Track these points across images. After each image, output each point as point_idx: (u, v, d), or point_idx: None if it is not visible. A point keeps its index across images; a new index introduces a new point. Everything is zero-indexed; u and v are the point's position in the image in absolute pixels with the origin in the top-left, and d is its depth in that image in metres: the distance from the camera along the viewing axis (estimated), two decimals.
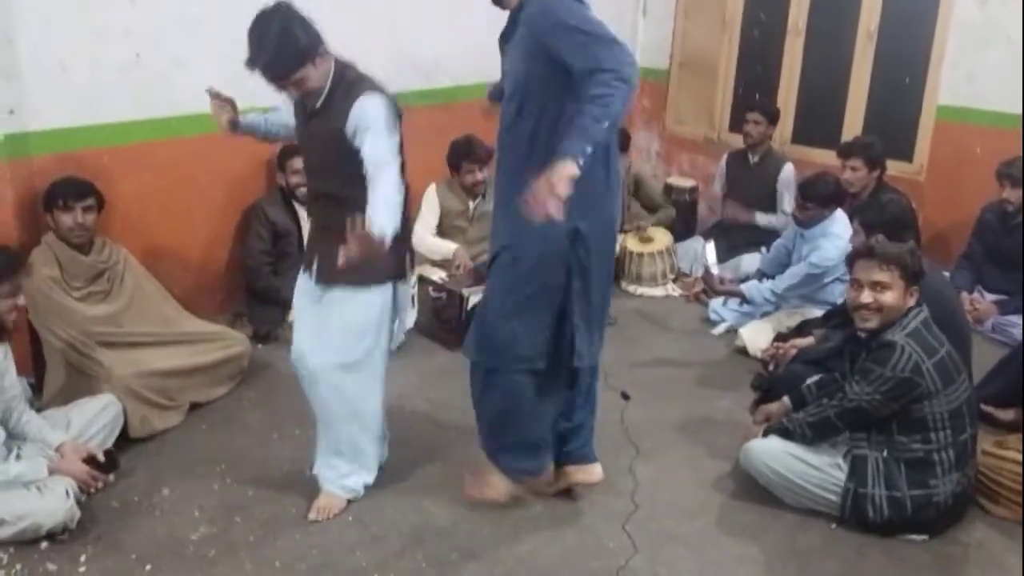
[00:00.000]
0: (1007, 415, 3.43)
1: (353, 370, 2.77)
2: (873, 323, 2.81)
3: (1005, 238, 4.40)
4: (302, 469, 3.10)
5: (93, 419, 3.08)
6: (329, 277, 2.71)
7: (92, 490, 2.86)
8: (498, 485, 2.85)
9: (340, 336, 2.74)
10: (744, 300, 4.21)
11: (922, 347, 2.71)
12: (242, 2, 3.95)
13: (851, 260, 2.93)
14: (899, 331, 2.74)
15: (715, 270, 4.21)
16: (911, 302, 2.79)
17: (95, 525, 2.78)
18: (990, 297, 4.47)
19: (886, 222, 3.32)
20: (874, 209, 3.41)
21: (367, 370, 2.81)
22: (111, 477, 2.93)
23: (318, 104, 2.64)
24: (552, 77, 2.39)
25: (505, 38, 2.60)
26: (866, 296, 2.79)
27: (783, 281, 4.13)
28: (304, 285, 2.86)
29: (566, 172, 2.19)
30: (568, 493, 2.99)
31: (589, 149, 2.23)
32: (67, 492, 2.72)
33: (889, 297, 2.76)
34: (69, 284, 3.35)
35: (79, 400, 3.13)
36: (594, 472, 2.93)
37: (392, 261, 2.69)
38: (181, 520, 2.83)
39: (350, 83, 2.62)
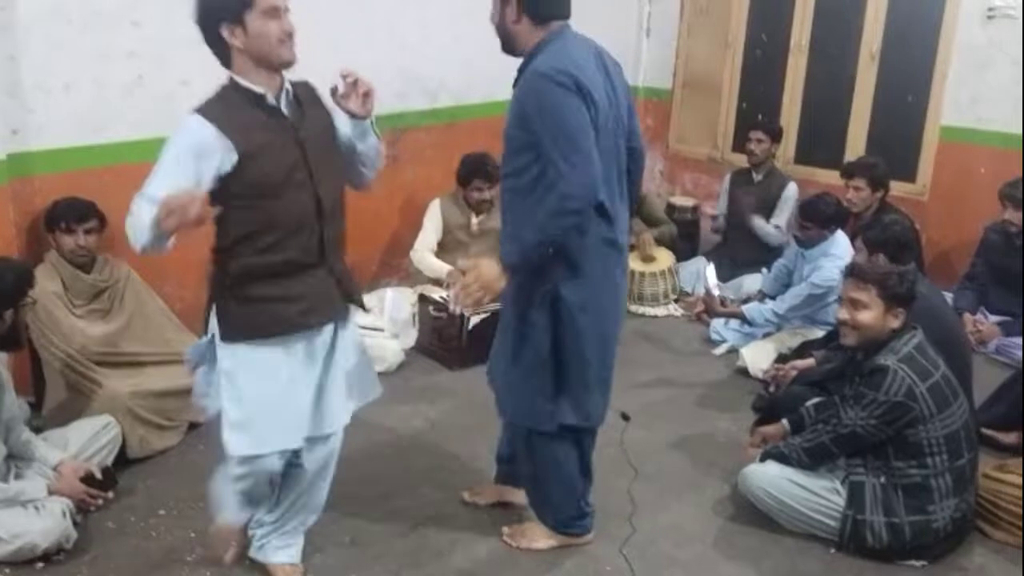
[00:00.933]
0: (1009, 438, 3.41)
1: None
2: (851, 340, 2.82)
3: (1009, 258, 4.39)
4: None
5: (92, 439, 3.07)
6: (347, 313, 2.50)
7: (91, 508, 2.87)
8: (539, 536, 2.83)
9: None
10: (745, 321, 4.19)
11: (915, 371, 2.70)
12: None
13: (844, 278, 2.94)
14: (891, 355, 2.73)
15: (716, 291, 4.21)
16: (894, 323, 2.77)
17: (91, 545, 2.77)
18: (993, 318, 4.45)
19: (887, 241, 3.32)
20: (877, 228, 3.41)
21: None
22: (110, 495, 2.93)
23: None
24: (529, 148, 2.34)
25: (514, 85, 2.48)
26: (844, 313, 2.81)
27: (784, 302, 4.12)
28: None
29: (493, 281, 2.32)
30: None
31: (520, 261, 2.33)
32: (64, 512, 2.72)
33: (865, 316, 2.76)
34: (72, 301, 3.36)
35: (78, 420, 3.13)
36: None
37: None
38: (176, 541, 2.82)
39: None
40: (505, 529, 2.90)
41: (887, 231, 3.38)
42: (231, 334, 2.29)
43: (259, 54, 2.17)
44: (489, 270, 2.32)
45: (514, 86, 2.45)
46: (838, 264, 3.88)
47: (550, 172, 2.26)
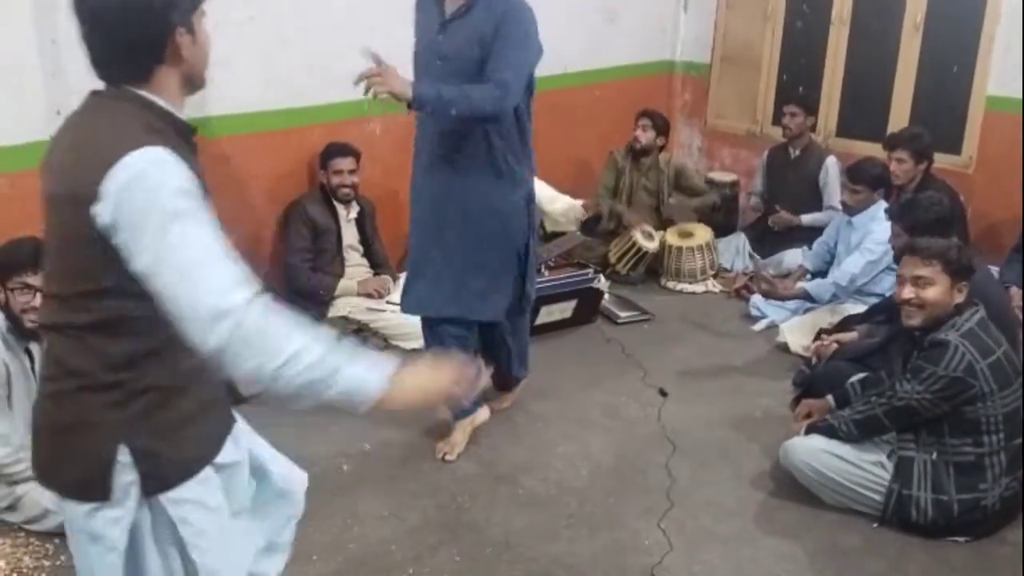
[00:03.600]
0: None
1: None
2: (917, 320, 2.74)
3: None
4: (339, 464, 3.13)
5: None
6: None
7: None
8: (459, 436, 3.24)
9: None
10: (810, 299, 4.12)
11: (977, 347, 2.64)
12: (287, 2, 4.05)
13: (898, 258, 2.88)
14: (952, 331, 2.67)
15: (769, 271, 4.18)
16: (959, 298, 2.71)
17: None
18: None
19: (929, 223, 3.23)
20: (915, 211, 3.31)
21: None
22: None
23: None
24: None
25: (451, 17, 2.76)
26: (908, 292, 2.74)
27: (844, 274, 4.05)
28: None
29: (397, 84, 2.59)
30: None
31: (429, 102, 2.62)
32: None
33: (932, 293, 2.70)
34: None
35: None
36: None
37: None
38: None
39: None
40: (440, 445, 3.21)
41: (928, 211, 3.27)
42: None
43: (195, 70, 1.57)
44: (402, 80, 2.62)
45: (446, 19, 2.79)
46: (887, 226, 3.82)
47: (505, 75, 2.66)
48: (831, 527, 2.82)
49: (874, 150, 4.95)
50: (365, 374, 1.44)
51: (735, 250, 5.11)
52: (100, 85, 1.56)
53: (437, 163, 2.93)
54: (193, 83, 1.59)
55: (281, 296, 4.18)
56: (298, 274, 4.17)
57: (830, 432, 2.88)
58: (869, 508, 2.82)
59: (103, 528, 1.53)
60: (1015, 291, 4.25)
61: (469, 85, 2.65)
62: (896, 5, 5.19)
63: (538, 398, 3.59)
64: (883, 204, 4.17)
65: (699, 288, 4.85)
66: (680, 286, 4.85)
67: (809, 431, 2.96)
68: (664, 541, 2.75)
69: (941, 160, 4.74)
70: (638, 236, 4.81)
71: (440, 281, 3.04)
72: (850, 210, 4.24)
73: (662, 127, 5.13)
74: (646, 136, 5.07)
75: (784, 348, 4.09)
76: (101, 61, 1.50)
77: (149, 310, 1.42)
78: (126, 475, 1.51)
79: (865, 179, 4.16)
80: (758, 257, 4.24)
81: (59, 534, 2.69)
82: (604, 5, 5.49)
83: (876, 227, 4.01)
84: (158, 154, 1.40)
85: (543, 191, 4.68)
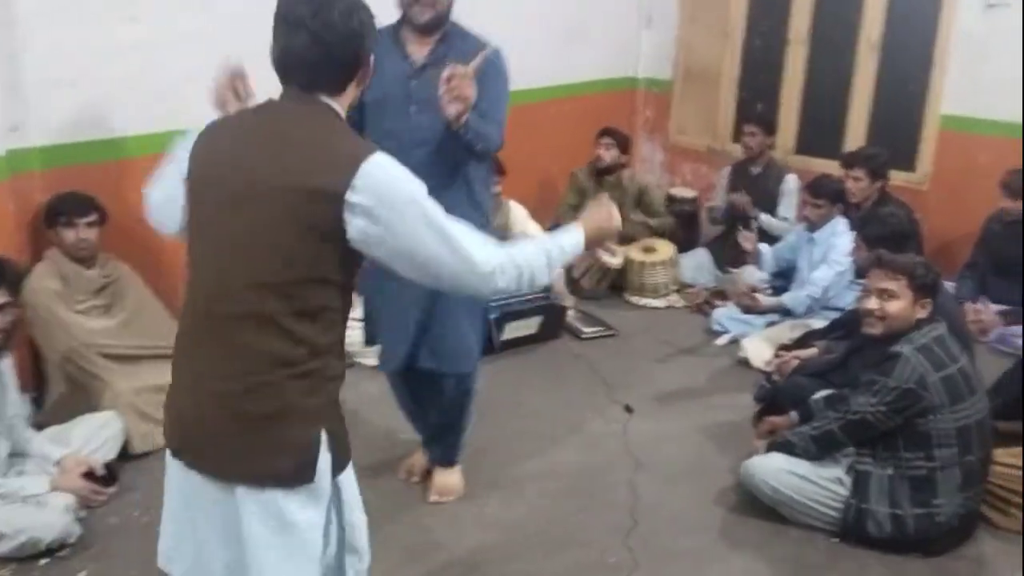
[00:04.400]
0: (1011, 427, 3.39)
1: None
2: (877, 329, 2.81)
3: (1009, 248, 4.38)
4: None
5: (93, 435, 3.08)
6: None
7: (93, 504, 2.88)
8: (457, 481, 3.10)
9: None
10: (786, 313, 4.19)
11: (930, 360, 2.69)
12: (252, 15, 4.00)
13: (865, 269, 2.95)
14: (908, 344, 2.73)
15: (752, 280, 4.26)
16: (921, 314, 2.77)
17: (95, 541, 2.77)
18: (994, 307, 4.44)
19: (886, 236, 3.31)
20: (874, 223, 3.40)
21: None
22: (112, 490, 2.94)
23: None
24: None
25: (425, 63, 2.69)
26: (872, 303, 2.80)
27: (816, 286, 4.15)
28: None
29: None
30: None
31: (470, 138, 2.53)
32: (66, 507, 2.73)
33: (894, 306, 2.76)
34: (72, 298, 3.36)
35: (80, 416, 3.14)
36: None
37: None
38: None
39: None
40: (433, 496, 3.03)
41: (886, 225, 3.37)
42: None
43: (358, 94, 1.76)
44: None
45: (432, 63, 2.66)
46: (848, 240, 3.90)
47: (498, 115, 2.68)
48: (793, 543, 2.85)
49: (831, 167, 5.04)
50: (571, 236, 1.82)
51: (697, 265, 5.16)
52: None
53: None
54: (352, 105, 1.75)
55: None
56: None
57: (788, 448, 2.91)
58: (829, 525, 2.85)
59: (301, 509, 1.63)
60: (968, 306, 4.35)
61: (480, 122, 2.58)
62: (852, 24, 5.31)
63: (504, 415, 3.59)
64: (842, 220, 4.28)
65: (662, 303, 4.89)
66: (644, 301, 4.89)
67: (770, 449, 2.99)
68: (630, 559, 2.76)
69: (896, 177, 4.85)
70: (601, 252, 4.82)
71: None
72: (812, 226, 4.32)
73: (624, 145, 5.18)
74: (609, 155, 5.11)
75: (746, 363, 4.13)
76: (308, 70, 1.62)
77: (344, 301, 1.64)
78: (324, 457, 1.64)
79: (826, 193, 4.28)
80: (736, 271, 4.29)
81: (13, 559, 2.63)
82: (567, 22, 5.53)
83: (839, 241, 4.12)
84: (389, 158, 1.60)
85: (519, 212, 4.70)
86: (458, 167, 2.72)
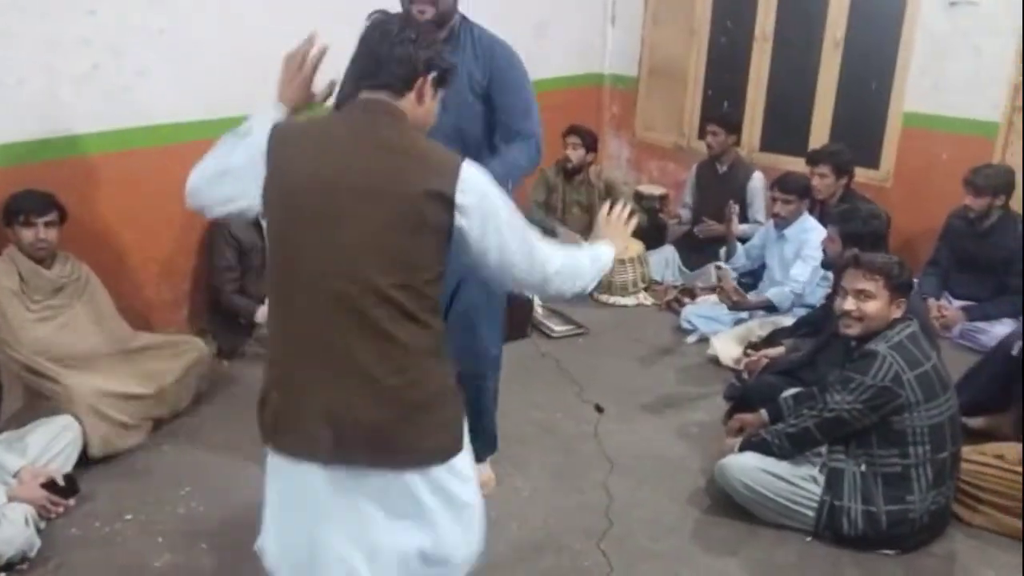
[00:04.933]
0: (976, 423, 3.44)
1: None
2: (855, 330, 2.82)
3: (972, 244, 4.43)
4: None
5: (51, 442, 2.99)
6: None
7: (52, 516, 2.79)
8: (485, 476, 2.99)
9: None
10: (772, 309, 4.19)
11: (904, 359, 2.70)
12: (205, 12, 3.93)
13: (840, 269, 2.96)
14: (883, 342, 2.74)
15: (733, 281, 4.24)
16: (897, 313, 2.78)
17: (55, 553, 2.68)
18: (957, 303, 4.50)
19: (865, 234, 3.32)
20: (855, 221, 3.40)
21: None
22: (71, 502, 2.85)
23: None
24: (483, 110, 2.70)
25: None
26: (849, 303, 2.80)
27: (797, 282, 4.15)
28: None
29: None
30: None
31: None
32: (26, 519, 2.64)
33: (871, 307, 2.77)
34: (30, 297, 3.25)
35: (36, 423, 3.04)
36: None
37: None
38: (144, 547, 2.74)
39: None
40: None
41: (867, 224, 3.36)
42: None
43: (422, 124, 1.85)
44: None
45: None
46: (819, 235, 3.92)
47: (530, 126, 2.70)
48: (766, 543, 2.85)
49: (796, 164, 5.07)
50: (603, 249, 2.01)
51: (664, 263, 5.16)
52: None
53: None
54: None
55: (207, 314, 4.10)
56: (223, 297, 4.03)
57: (764, 447, 2.91)
58: (803, 524, 2.85)
59: (456, 475, 1.83)
60: (932, 302, 4.40)
61: (510, 154, 2.66)
62: (817, 23, 5.34)
63: None
64: (808, 217, 4.30)
65: (631, 301, 4.88)
66: (613, 299, 4.87)
67: (743, 447, 2.99)
68: (604, 562, 2.73)
69: (860, 174, 4.89)
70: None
71: None
72: (783, 222, 4.34)
73: (591, 144, 5.17)
74: (576, 155, 5.11)
75: (715, 361, 4.13)
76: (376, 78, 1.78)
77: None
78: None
79: (796, 189, 4.32)
80: (727, 267, 4.28)
81: None
82: (533, 19, 5.49)
83: (811, 236, 4.14)
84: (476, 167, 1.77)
85: None
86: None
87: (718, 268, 4.25)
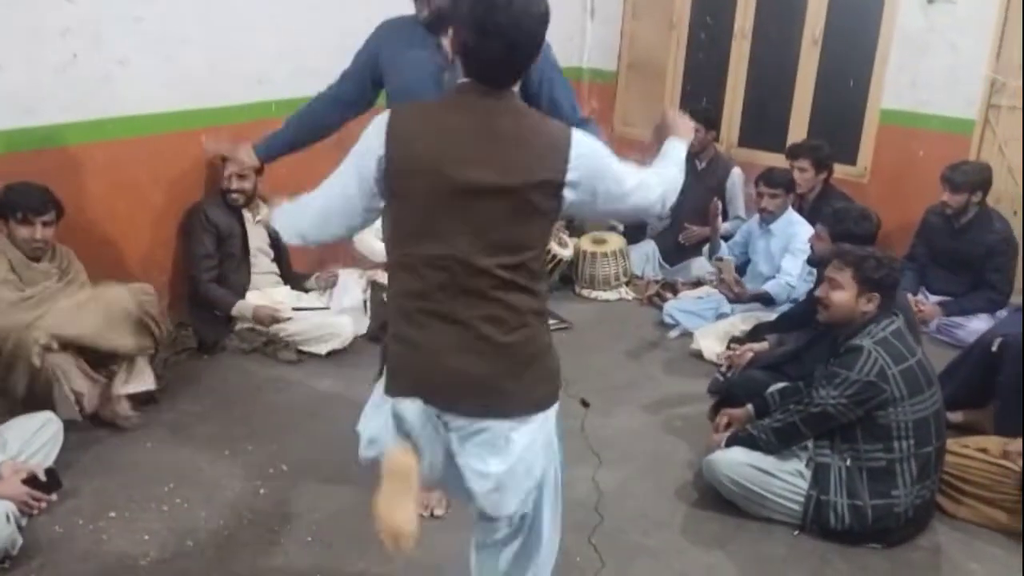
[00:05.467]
0: (956, 417, 3.49)
1: None
2: (822, 317, 2.91)
3: (949, 240, 4.50)
4: (256, 488, 3.00)
5: (32, 437, 2.92)
6: None
7: (34, 512, 2.73)
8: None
9: None
10: (770, 301, 4.23)
11: (889, 354, 2.74)
12: (183, 1, 3.86)
13: (822, 260, 3.08)
14: (867, 337, 2.77)
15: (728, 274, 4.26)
16: (867, 307, 2.82)
17: (38, 552, 2.62)
18: (934, 298, 4.56)
19: (856, 236, 3.32)
20: (846, 222, 3.41)
21: None
22: (54, 497, 2.79)
23: None
24: None
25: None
26: (822, 290, 2.89)
27: (791, 275, 4.22)
28: None
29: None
30: None
31: None
32: (7, 517, 2.57)
33: (837, 296, 2.83)
34: (19, 287, 3.18)
35: (15, 418, 2.98)
36: None
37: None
38: (129, 545, 2.69)
39: None
40: (437, 509, 2.90)
41: (859, 226, 3.37)
42: None
43: None
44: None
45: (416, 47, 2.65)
46: (805, 228, 4.02)
47: (579, 114, 2.72)
48: (754, 537, 2.87)
49: (774, 160, 5.12)
50: (676, 144, 2.23)
51: (645, 257, 5.18)
52: None
53: None
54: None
55: (186, 307, 4.04)
56: (200, 287, 3.98)
57: (750, 442, 2.93)
58: (790, 518, 2.87)
59: (552, 422, 2.03)
60: (909, 297, 4.45)
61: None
62: (796, 20, 5.38)
63: None
64: (792, 211, 4.34)
65: (613, 296, 4.89)
66: (595, 294, 4.88)
67: (730, 442, 3.00)
68: (595, 557, 2.73)
69: (838, 170, 4.94)
70: (552, 243, 4.81)
71: None
72: (769, 216, 4.36)
73: None
74: None
75: (698, 355, 4.15)
76: (505, 69, 1.83)
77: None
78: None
79: (782, 183, 4.36)
80: (731, 258, 4.29)
81: None
82: None
83: (798, 230, 4.20)
84: (578, 130, 1.88)
85: None
86: None
87: (719, 260, 4.25)
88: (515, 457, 1.93)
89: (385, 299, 4.09)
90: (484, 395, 1.89)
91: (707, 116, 5.21)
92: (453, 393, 1.89)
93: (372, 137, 1.83)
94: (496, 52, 1.78)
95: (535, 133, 1.83)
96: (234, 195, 4.02)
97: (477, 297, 1.84)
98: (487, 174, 1.77)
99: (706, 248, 4.77)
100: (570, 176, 1.80)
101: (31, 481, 2.74)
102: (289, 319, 4.00)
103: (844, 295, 2.83)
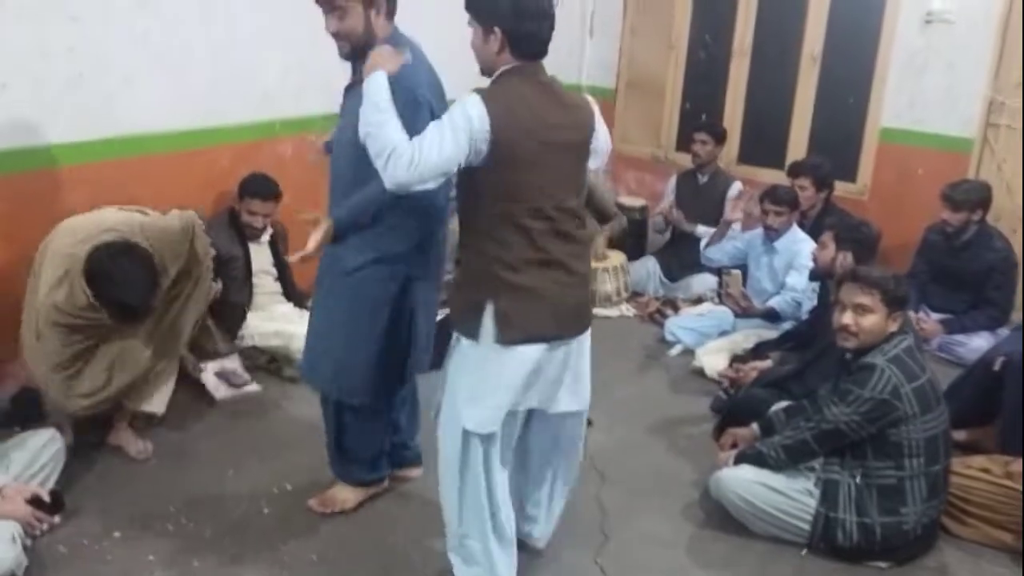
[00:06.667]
0: (960, 435, 3.48)
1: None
2: (852, 343, 2.85)
3: (949, 258, 4.51)
4: (260, 507, 2.99)
5: (35, 456, 2.91)
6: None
7: (38, 533, 2.72)
8: (347, 497, 2.98)
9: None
10: (776, 317, 4.23)
11: (903, 372, 2.74)
12: (190, 19, 3.88)
13: (838, 283, 3.00)
14: (880, 355, 2.77)
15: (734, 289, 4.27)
16: (893, 327, 2.82)
17: (43, 572, 2.61)
18: (935, 316, 4.57)
19: (857, 240, 3.40)
20: (853, 229, 3.47)
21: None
22: (57, 519, 2.78)
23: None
24: None
25: (351, 84, 2.64)
26: (847, 317, 2.83)
27: (796, 291, 4.20)
28: None
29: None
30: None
31: (366, 129, 2.24)
32: (13, 537, 2.57)
33: (868, 321, 2.79)
34: None
35: (20, 436, 2.97)
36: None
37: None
38: (135, 565, 2.68)
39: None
40: (311, 501, 2.98)
41: (859, 231, 3.44)
42: None
43: None
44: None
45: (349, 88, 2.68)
46: (810, 245, 4.00)
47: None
48: (761, 557, 2.86)
49: (774, 177, 5.14)
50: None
51: (646, 274, 5.19)
52: None
53: None
54: None
55: None
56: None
57: (759, 460, 2.93)
58: (797, 537, 2.87)
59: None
60: (911, 315, 4.46)
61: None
62: (794, 38, 5.41)
63: None
64: (796, 227, 4.35)
65: (613, 312, 4.90)
66: (596, 310, 4.86)
67: (738, 460, 3.00)
68: None
69: (838, 188, 4.96)
70: None
71: None
72: (774, 234, 4.37)
73: None
74: None
75: (700, 373, 4.15)
76: (547, 44, 2.28)
77: None
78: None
79: (787, 200, 4.35)
80: (737, 272, 4.29)
81: None
82: None
83: (802, 246, 4.18)
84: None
85: None
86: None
87: (727, 274, 4.24)
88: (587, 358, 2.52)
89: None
90: (586, 315, 2.46)
91: (717, 130, 5.24)
92: (574, 323, 2.40)
93: (474, 115, 2.13)
94: (539, 29, 2.21)
95: (572, 96, 2.35)
96: (255, 229, 4.04)
97: (565, 238, 2.29)
98: (570, 134, 2.28)
99: (703, 244, 4.73)
100: (594, 135, 2.37)
101: (35, 501, 2.73)
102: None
103: (875, 318, 2.80)
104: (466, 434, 2.36)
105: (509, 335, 2.27)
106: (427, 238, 2.65)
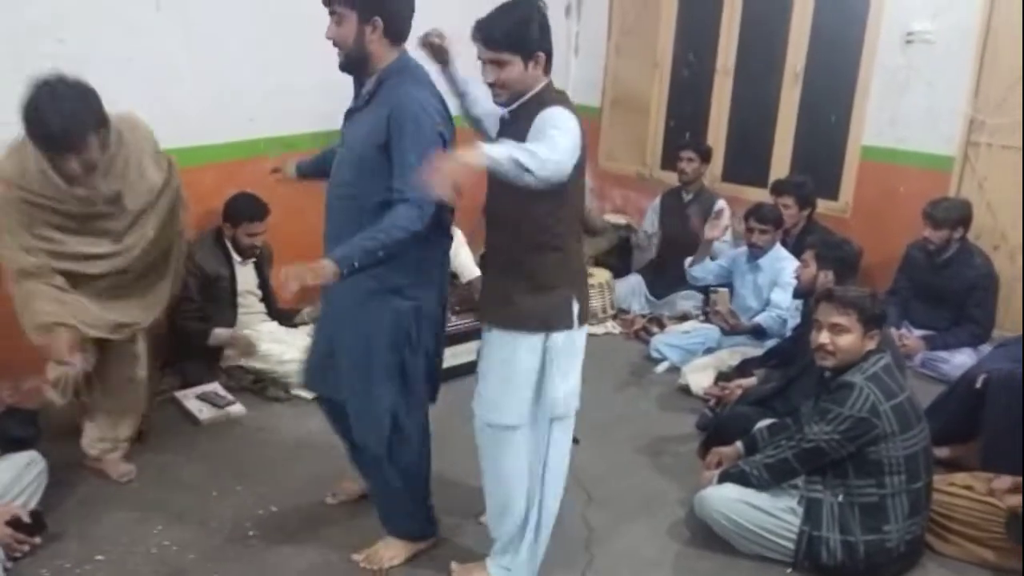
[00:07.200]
0: (942, 452, 3.51)
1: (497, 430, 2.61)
2: (829, 363, 2.86)
3: (931, 275, 4.55)
4: (245, 530, 2.98)
5: (16, 477, 2.89)
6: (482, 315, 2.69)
7: (18, 555, 2.70)
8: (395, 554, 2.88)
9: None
10: (762, 333, 4.25)
11: (881, 390, 2.76)
12: (173, 41, 3.89)
13: (815, 302, 3.01)
14: (859, 374, 2.79)
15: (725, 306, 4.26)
16: (870, 345, 2.84)
17: None
18: (917, 332, 4.61)
19: (839, 259, 3.44)
20: (833, 247, 3.52)
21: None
22: (38, 540, 2.76)
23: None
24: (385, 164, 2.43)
25: (355, 107, 2.58)
26: (824, 337, 2.85)
27: (781, 308, 4.23)
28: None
29: (327, 271, 2.33)
30: None
31: (356, 265, 2.34)
32: None
33: (845, 340, 2.81)
34: None
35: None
36: None
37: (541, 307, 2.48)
38: None
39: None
40: (355, 556, 2.84)
41: (841, 249, 3.48)
42: None
43: None
44: (325, 267, 2.37)
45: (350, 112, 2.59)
46: (793, 262, 4.02)
47: (404, 186, 2.36)
48: (747, 574, 2.87)
49: (758, 195, 5.17)
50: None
51: (631, 291, 5.21)
52: None
53: None
54: None
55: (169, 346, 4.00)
56: (181, 327, 3.94)
57: (742, 479, 2.94)
58: (782, 555, 2.88)
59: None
60: (894, 331, 4.49)
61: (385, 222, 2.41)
62: (777, 57, 5.46)
63: (445, 448, 3.52)
64: (779, 246, 4.37)
65: (599, 330, 4.91)
66: None
67: (722, 479, 3.01)
68: None
69: (820, 206, 5.00)
70: None
71: None
72: (759, 252, 4.39)
73: None
74: None
75: (686, 390, 4.17)
76: None
77: None
78: None
79: (772, 219, 4.39)
80: (725, 290, 4.30)
81: None
82: None
83: (786, 264, 4.21)
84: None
85: (456, 236, 4.65)
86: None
87: (714, 292, 4.25)
88: None
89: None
90: None
91: (703, 148, 5.28)
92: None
93: (574, 124, 2.39)
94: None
95: None
96: (257, 249, 4.09)
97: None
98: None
99: (688, 260, 4.73)
100: None
101: (15, 523, 2.71)
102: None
103: (852, 338, 2.82)
104: (559, 420, 2.67)
105: (584, 316, 2.58)
106: (435, 266, 2.64)
